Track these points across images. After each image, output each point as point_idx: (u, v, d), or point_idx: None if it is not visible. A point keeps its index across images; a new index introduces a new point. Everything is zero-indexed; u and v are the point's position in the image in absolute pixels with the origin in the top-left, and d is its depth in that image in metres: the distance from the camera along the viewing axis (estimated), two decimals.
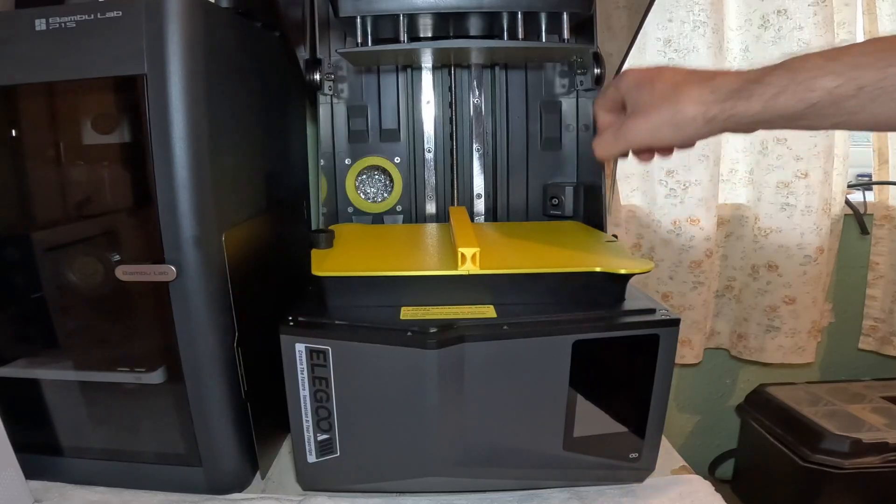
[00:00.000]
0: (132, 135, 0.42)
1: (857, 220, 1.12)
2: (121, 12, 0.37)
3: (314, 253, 0.46)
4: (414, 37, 0.59)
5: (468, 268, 0.42)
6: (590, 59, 0.59)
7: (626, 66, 0.73)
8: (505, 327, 0.40)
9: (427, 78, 0.65)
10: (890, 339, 1.14)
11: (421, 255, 0.49)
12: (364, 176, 0.67)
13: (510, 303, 0.43)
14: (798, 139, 0.98)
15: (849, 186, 1.10)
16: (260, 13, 0.52)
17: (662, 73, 0.40)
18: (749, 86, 0.37)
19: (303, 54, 0.63)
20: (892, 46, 0.34)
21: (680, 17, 0.97)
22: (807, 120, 0.36)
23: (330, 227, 0.60)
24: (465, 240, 0.43)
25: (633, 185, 1.05)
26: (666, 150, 0.43)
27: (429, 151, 0.66)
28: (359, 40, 0.52)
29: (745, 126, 0.39)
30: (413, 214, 0.67)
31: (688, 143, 0.41)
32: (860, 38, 1.05)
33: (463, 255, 0.41)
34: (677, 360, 0.41)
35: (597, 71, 0.59)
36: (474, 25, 0.57)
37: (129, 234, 0.44)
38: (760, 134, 1.01)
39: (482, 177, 0.66)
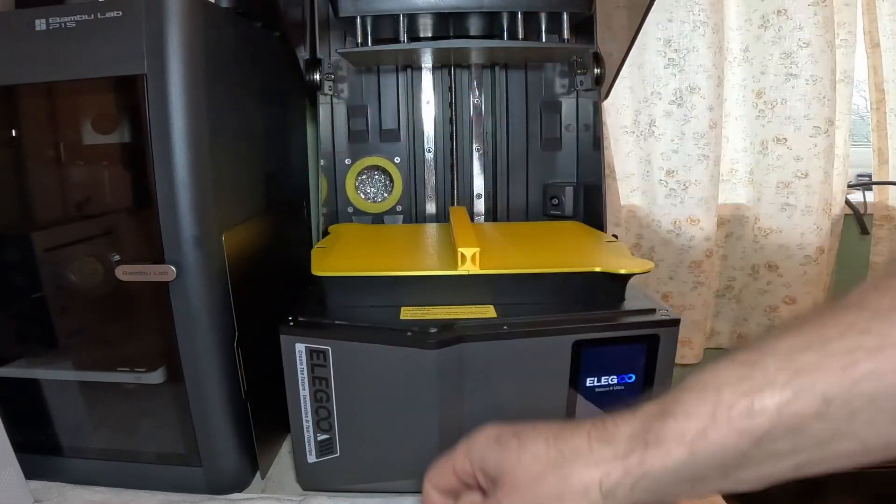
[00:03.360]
0: (132, 135, 0.42)
1: (857, 220, 1.12)
2: (121, 12, 0.37)
3: (314, 253, 0.46)
4: (414, 37, 0.59)
5: (468, 268, 0.42)
6: (590, 59, 0.59)
7: (625, 67, 0.73)
8: (505, 327, 0.40)
9: (427, 78, 0.65)
10: None
11: (421, 254, 0.49)
12: (364, 176, 0.67)
13: (510, 303, 0.43)
14: (798, 139, 0.98)
15: (849, 186, 1.10)
16: (260, 13, 0.52)
17: (531, 425, 0.29)
18: (655, 423, 0.24)
19: (303, 54, 0.63)
20: (844, 325, 0.22)
21: (680, 17, 0.97)
22: (756, 465, 0.23)
23: (329, 227, 0.60)
24: (465, 240, 0.43)
25: (633, 185, 1.05)
26: None
27: (429, 151, 0.66)
28: (359, 40, 0.52)
29: (665, 495, 0.25)
30: (413, 214, 0.67)
31: None
32: (860, 39, 1.05)
33: (463, 255, 0.41)
34: (677, 360, 0.41)
35: (597, 71, 0.59)
36: (474, 25, 0.57)
37: (129, 234, 0.44)
38: (760, 134, 1.01)
39: (482, 177, 0.66)
